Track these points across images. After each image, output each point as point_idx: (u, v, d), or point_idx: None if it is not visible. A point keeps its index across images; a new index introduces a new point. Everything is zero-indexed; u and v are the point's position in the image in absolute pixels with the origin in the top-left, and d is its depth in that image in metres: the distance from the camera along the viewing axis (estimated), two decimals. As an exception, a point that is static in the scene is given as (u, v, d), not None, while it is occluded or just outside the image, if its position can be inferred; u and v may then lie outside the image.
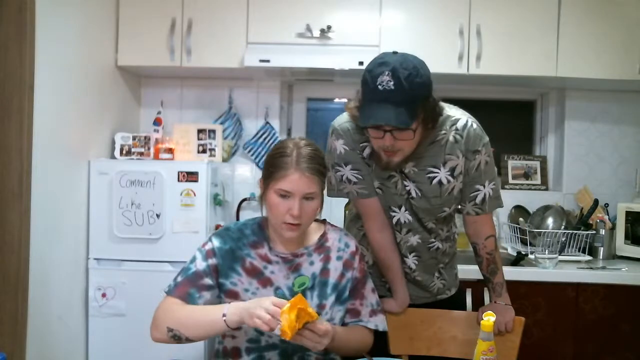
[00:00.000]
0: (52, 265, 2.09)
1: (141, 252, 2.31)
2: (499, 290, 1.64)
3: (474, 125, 1.50)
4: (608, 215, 2.65)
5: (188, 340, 1.30)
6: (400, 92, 1.29)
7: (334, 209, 2.72)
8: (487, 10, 2.51)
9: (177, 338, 1.29)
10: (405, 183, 1.54)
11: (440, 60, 2.42)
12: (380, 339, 1.50)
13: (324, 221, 1.50)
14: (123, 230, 2.30)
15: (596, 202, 2.59)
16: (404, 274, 1.63)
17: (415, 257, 1.64)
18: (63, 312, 2.18)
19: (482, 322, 1.20)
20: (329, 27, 2.52)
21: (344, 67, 2.48)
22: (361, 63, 2.44)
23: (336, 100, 3.14)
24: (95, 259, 2.33)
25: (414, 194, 1.54)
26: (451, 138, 1.48)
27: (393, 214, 1.58)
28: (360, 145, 1.52)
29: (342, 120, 1.55)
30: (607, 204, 2.72)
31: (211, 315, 1.26)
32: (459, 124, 1.49)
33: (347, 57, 2.47)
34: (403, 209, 1.57)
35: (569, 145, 2.87)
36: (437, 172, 1.50)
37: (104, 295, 2.32)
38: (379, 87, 1.30)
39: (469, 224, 1.62)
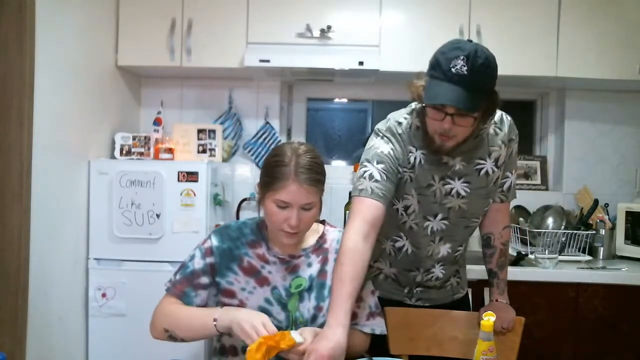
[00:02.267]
0: (52, 265, 2.09)
1: (141, 252, 2.31)
2: (502, 287, 1.66)
3: (508, 117, 1.60)
4: (608, 215, 2.65)
5: (183, 340, 1.35)
6: (472, 78, 1.31)
7: (334, 208, 2.73)
8: (487, 10, 2.51)
9: (172, 338, 1.35)
10: (450, 186, 1.53)
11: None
12: (380, 339, 1.50)
13: (323, 222, 1.50)
14: (123, 230, 2.30)
15: (596, 202, 2.59)
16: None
17: (442, 267, 1.64)
18: (63, 312, 2.18)
19: (482, 322, 1.20)
20: (329, 27, 2.52)
21: (344, 67, 2.48)
22: (361, 63, 2.44)
23: (336, 100, 3.13)
24: (95, 259, 2.33)
25: (463, 192, 1.54)
26: (491, 131, 1.55)
27: (427, 223, 1.57)
28: (408, 155, 1.51)
29: (401, 125, 1.52)
30: (607, 204, 2.72)
31: (203, 319, 1.31)
32: (496, 118, 1.56)
33: (347, 57, 2.47)
34: (439, 217, 1.56)
35: (569, 145, 2.87)
36: (484, 163, 1.54)
37: (104, 295, 2.32)
38: (452, 69, 1.31)
39: (492, 211, 1.64)
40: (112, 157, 2.51)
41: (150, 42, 2.54)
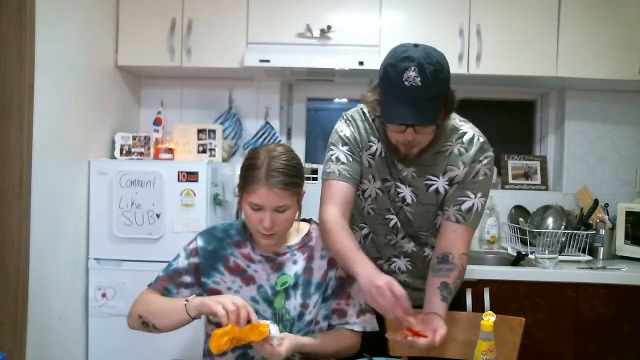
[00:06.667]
0: (52, 265, 2.09)
1: (141, 252, 2.31)
2: (446, 307, 1.38)
3: (481, 139, 1.49)
4: (608, 215, 2.65)
5: (155, 328, 1.35)
6: (427, 89, 1.26)
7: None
8: (487, 10, 2.51)
9: (145, 325, 1.36)
10: (399, 190, 1.51)
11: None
12: (380, 339, 1.50)
13: (309, 220, 1.51)
14: (123, 230, 2.30)
15: (596, 202, 2.59)
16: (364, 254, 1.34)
17: (409, 262, 1.62)
18: (63, 312, 2.18)
19: (482, 322, 1.20)
20: (329, 27, 2.52)
21: (344, 67, 2.48)
22: (361, 63, 2.44)
23: (336, 100, 3.14)
24: (95, 259, 2.33)
25: (409, 200, 1.52)
26: (455, 150, 1.48)
27: (390, 216, 1.56)
28: (369, 143, 1.51)
29: (366, 115, 1.53)
30: (607, 204, 2.72)
31: (175, 302, 1.33)
32: (465, 138, 1.48)
33: (347, 57, 2.47)
34: (392, 212, 1.55)
35: (569, 145, 2.87)
36: (436, 181, 1.49)
37: (104, 295, 2.32)
38: (405, 82, 1.25)
39: (448, 232, 1.46)
40: (112, 157, 2.51)
41: (150, 42, 2.54)
